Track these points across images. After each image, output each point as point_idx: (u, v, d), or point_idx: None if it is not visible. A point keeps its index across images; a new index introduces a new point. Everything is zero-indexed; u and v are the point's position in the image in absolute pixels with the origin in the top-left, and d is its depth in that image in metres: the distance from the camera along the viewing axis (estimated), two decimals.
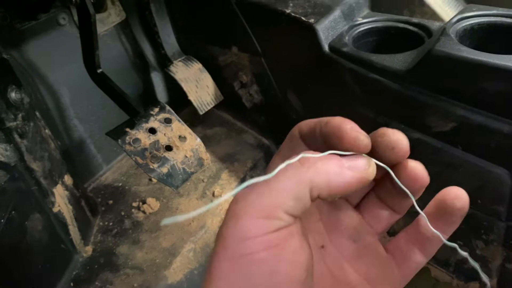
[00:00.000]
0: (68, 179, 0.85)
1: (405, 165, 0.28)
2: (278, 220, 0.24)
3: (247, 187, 0.25)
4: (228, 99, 1.13)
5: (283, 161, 0.25)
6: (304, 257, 0.25)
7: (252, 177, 1.05)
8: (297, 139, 0.30)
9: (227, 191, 1.00)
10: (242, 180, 1.04)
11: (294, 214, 0.24)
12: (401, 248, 0.32)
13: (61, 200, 0.81)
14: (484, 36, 0.69)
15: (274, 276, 0.23)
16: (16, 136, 0.71)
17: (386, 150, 0.27)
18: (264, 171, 0.26)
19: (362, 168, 0.26)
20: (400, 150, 0.27)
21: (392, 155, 0.27)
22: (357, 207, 0.33)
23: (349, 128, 0.26)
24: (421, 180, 0.28)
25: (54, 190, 0.79)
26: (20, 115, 0.73)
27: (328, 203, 0.32)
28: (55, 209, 0.79)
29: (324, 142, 0.27)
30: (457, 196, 0.29)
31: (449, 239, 0.80)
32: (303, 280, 0.24)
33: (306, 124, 0.29)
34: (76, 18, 0.90)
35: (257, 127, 1.16)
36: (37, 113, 0.80)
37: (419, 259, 0.31)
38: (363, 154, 0.26)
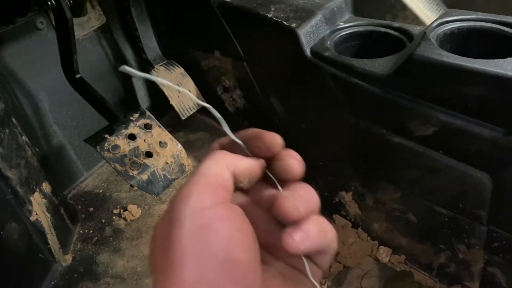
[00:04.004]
0: (46, 186, 0.83)
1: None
2: (220, 191, 0.27)
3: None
4: (211, 104, 1.10)
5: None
6: (251, 229, 0.28)
7: None
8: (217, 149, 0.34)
9: None
10: None
11: (226, 186, 0.28)
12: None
13: (38, 208, 0.79)
14: (464, 41, 0.69)
15: (231, 244, 0.26)
16: None
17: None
18: None
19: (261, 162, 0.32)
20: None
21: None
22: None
23: (266, 132, 0.32)
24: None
25: (31, 198, 0.77)
26: None
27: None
28: (33, 218, 0.77)
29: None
30: None
31: (432, 242, 0.79)
32: (254, 247, 0.27)
33: (223, 138, 0.34)
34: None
35: None
36: (13, 120, 0.78)
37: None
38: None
